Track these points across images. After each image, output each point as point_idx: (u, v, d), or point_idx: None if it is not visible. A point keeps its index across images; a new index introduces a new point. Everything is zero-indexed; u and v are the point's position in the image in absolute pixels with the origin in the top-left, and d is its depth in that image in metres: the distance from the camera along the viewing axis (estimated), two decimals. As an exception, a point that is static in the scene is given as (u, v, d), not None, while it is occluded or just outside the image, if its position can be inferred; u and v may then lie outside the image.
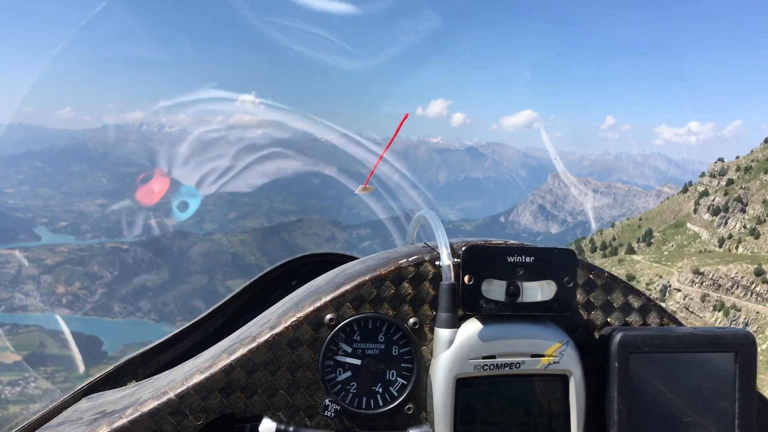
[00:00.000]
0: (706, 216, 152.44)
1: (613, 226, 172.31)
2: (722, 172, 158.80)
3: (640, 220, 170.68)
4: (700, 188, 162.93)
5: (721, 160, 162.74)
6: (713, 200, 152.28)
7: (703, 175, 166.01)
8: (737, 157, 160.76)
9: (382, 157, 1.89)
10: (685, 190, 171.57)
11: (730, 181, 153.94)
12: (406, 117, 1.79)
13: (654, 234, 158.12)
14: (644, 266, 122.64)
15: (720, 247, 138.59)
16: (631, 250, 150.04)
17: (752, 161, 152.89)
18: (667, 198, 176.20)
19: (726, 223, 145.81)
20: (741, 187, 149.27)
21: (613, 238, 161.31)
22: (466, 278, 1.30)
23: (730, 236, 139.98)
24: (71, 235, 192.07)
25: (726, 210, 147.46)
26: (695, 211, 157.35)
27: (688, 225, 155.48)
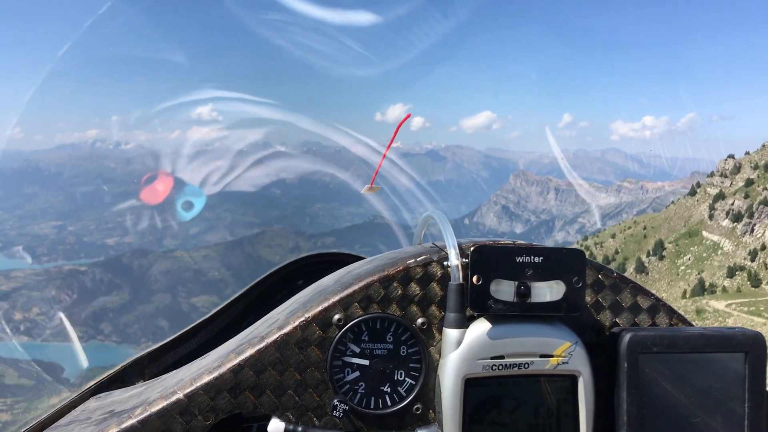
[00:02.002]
0: (725, 222, 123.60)
1: (614, 237, 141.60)
2: (734, 171, 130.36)
3: (645, 229, 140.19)
4: (711, 190, 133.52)
5: (731, 156, 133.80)
6: (732, 204, 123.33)
7: (712, 174, 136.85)
8: (747, 153, 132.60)
9: (384, 156, 1.83)
10: (693, 193, 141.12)
11: (750, 182, 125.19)
12: (407, 117, 1.71)
13: (665, 245, 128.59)
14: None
15: (753, 260, 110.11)
16: (641, 266, 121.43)
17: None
18: (673, 202, 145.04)
19: (752, 230, 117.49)
20: (765, 188, 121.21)
21: (617, 251, 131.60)
22: (474, 278, 1.26)
23: (764, 247, 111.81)
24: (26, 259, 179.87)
25: (750, 215, 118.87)
26: (711, 216, 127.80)
27: (704, 233, 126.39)
